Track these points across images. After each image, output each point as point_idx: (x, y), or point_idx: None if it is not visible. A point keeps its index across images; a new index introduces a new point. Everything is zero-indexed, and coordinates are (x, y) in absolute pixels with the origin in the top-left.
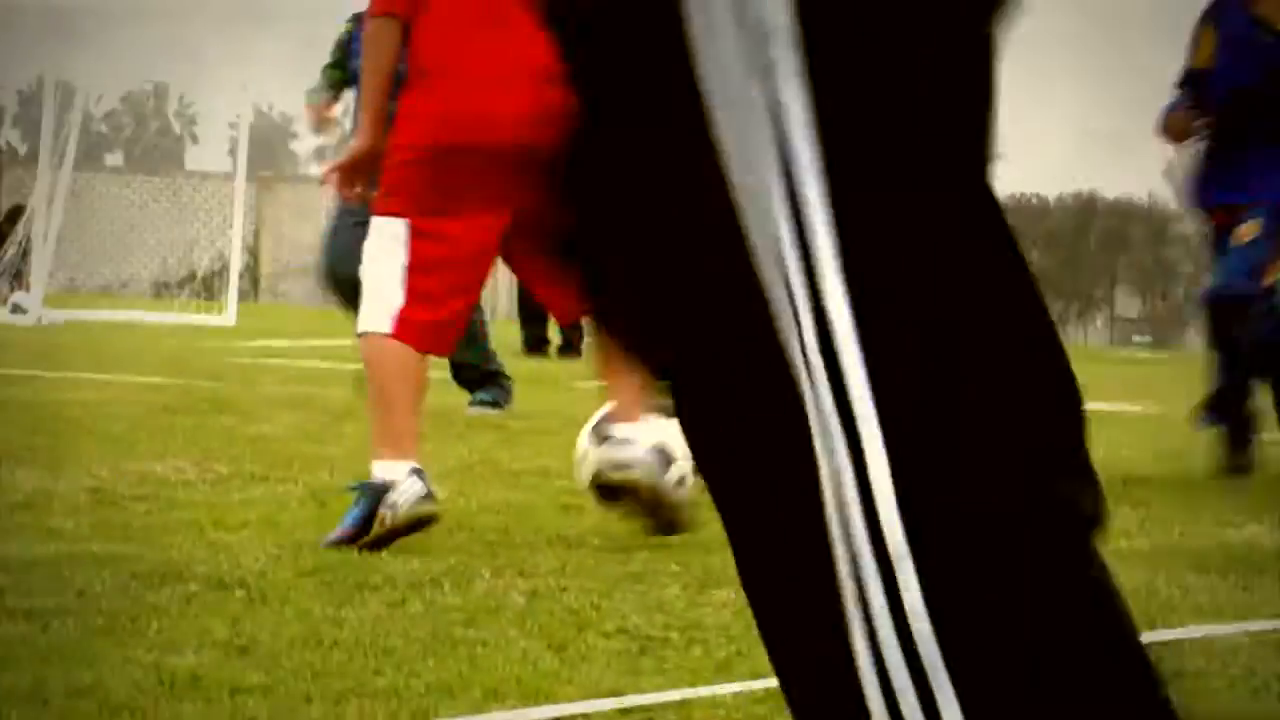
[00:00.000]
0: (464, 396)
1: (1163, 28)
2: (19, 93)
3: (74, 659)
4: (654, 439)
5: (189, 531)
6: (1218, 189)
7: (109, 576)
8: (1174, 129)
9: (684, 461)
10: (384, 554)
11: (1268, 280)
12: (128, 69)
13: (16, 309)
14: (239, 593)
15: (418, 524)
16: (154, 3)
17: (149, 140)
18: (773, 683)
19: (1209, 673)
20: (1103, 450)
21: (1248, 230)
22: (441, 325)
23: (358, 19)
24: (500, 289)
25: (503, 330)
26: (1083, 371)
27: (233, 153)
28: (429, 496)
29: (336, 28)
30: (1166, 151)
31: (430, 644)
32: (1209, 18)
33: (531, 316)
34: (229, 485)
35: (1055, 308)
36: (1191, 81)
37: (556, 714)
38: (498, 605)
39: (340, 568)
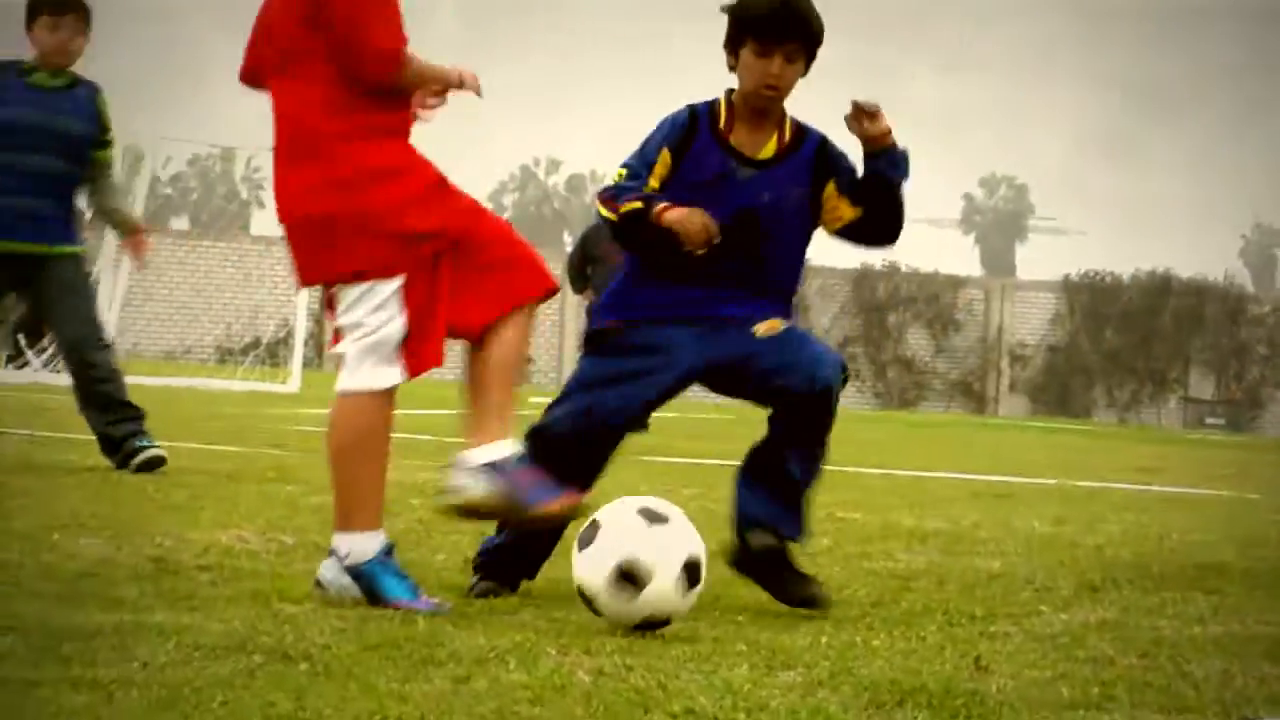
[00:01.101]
0: None
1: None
2: None
3: None
4: (486, 457)
5: (253, 602)
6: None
7: (172, 647)
8: (695, 234)
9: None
10: (449, 628)
11: None
12: (195, 132)
13: None
14: (303, 665)
15: None
16: (220, 69)
17: (215, 204)
18: None
19: None
20: (1175, 535)
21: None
22: None
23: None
24: (565, 364)
25: None
26: (1155, 454)
27: None
28: None
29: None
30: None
31: None
32: (668, 138)
33: None
34: (293, 555)
35: (1129, 388)
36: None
37: None
38: (563, 684)
39: (405, 642)
